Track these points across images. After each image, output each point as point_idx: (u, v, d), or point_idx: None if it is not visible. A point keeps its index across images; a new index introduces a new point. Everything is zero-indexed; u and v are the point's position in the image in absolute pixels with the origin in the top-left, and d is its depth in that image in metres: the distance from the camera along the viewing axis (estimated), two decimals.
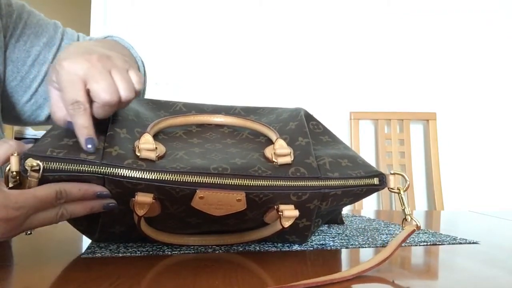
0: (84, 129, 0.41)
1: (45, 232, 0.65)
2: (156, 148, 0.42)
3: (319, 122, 0.54)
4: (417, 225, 0.44)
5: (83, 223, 0.47)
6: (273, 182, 0.42)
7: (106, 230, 0.47)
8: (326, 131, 0.53)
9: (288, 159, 0.44)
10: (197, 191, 0.41)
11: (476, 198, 2.06)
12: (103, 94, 0.41)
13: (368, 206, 2.00)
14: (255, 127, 0.50)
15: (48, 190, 0.39)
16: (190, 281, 0.35)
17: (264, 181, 0.42)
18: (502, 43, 2.13)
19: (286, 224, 0.44)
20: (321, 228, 0.63)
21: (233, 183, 0.41)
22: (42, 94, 0.66)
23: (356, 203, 1.87)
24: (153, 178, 0.40)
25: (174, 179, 0.40)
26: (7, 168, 0.39)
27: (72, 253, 0.46)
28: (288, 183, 0.43)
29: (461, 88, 2.10)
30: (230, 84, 2.01)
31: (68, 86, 0.41)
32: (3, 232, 0.37)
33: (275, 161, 0.44)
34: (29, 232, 0.40)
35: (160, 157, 0.42)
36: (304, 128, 0.50)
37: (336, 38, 2.07)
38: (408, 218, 0.45)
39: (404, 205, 0.46)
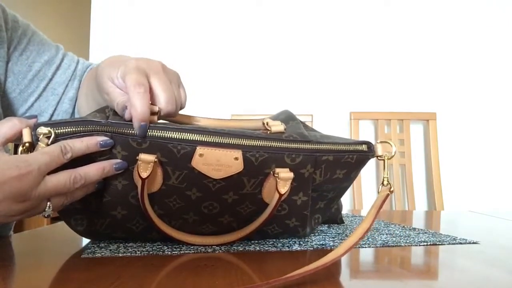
0: (141, 111, 0.41)
1: (45, 232, 0.65)
2: (157, 110, 0.45)
3: (307, 125, 0.57)
4: (390, 188, 0.47)
5: (83, 223, 0.48)
6: (268, 143, 0.46)
7: (108, 212, 0.47)
8: (314, 130, 0.57)
9: (281, 128, 0.48)
10: (197, 148, 0.43)
11: (476, 198, 2.06)
12: (162, 93, 0.44)
13: (368, 206, 2.00)
14: (239, 125, 0.52)
15: (53, 146, 0.41)
16: (190, 281, 0.35)
17: (260, 141, 0.45)
18: (502, 43, 2.14)
19: (283, 190, 0.46)
20: (321, 228, 0.63)
21: (230, 142, 0.44)
22: (37, 109, 0.68)
23: (356, 203, 1.87)
24: (156, 135, 0.43)
25: (176, 137, 0.43)
26: (20, 149, 0.41)
27: (72, 253, 0.46)
28: (282, 144, 0.46)
29: (461, 88, 2.10)
30: (229, 85, 2.01)
31: (133, 72, 0.44)
32: (20, 191, 0.38)
33: (269, 129, 0.48)
34: (47, 215, 0.42)
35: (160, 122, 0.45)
36: (293, 116, 0.55)
37: (336, 38, 2.07)
38: (385, 181, 0.48)
39: (385, 169, 0.49)
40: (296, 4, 2.07)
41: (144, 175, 0.43)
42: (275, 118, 0.55)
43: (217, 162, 0.44)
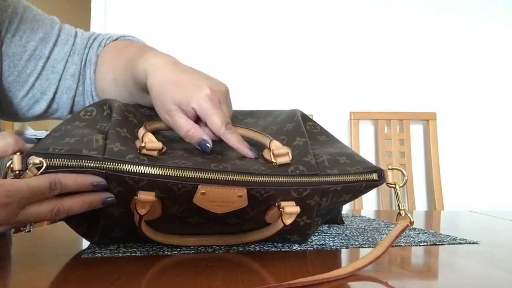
0: (243, 142, 0.46)
1: (45, 232, 0.65)
2: (161, 147, 0.42)
3: (316, 123, 0.55)
4: (410, 220, 0.44)
5: (84, 225, 0.47)
6: (273, 179, 0.43)
7: (106, 234, 0.47)
8: (323, 131, 0.54)
9: (286, 159, 0.45)
10: (199, 187, 0.41)
11: (476, 198, 2.06)
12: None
13: (368, 206, 2.00)
14: (247, 134, 0.50)
15: (42, 180, 0.38)
16: (190, 281, 0.35)
17: (265, 178, 0.43)
18: (501, 43, 2.13)
19: (288, 221, 0.44)
20: (321, 228, 0.63)
21: (234, 179, 0.42)
22: (38, 88, 0.65)
23: (356, 203, 1.87)
24: (155, 173, 0.40)
25: (176, 175, 0.40)
26: (7, 165, 0.39)
27: (72, 253, 0.46)
28: (289, 179, 0.44)
29: (461, 88, 2.10)
30: (229, 85, 2.01)
31: (217, 113, 0.46)
32: None
33: (274, 161, 0.45)
34: (27, 230, 0.40)
35: (161, 154, 0.43)
36: (301, 128, 0.51)
37: (336, 38, 2.07)
38: (402, 213, 0.45)
39: (399, 200, 0.46)
40: (296, 5, 2.06)
41: (142, 211, 0.41)
42: (281, 124, 0.52)
43: (220, 199, 0.42)
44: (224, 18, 2.03)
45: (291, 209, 0.44)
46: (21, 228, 0.40)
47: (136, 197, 0.40)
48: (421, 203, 2.04)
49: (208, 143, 0.45)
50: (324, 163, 0.46)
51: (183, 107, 0.47)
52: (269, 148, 0.46)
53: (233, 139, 0.46)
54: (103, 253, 0.45)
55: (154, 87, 0.49)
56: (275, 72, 2.04)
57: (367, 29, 2.08)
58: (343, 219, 0.70)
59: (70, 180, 0.39)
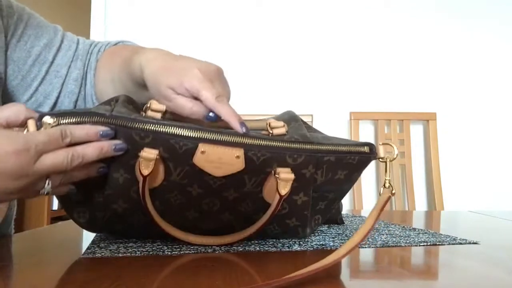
0: (235, 115, 0.46)
1: (45, 232, 0.65)
2: (164, 109, 0.46)
3: (310, 125, 0.58)
4: (391, 191, 0.46)
5: (85, 215, 0.49)
6: (270, 143, 0.46)
7: (109, 206, 0.47)
8: (317, 130, 0.57)
9: (282, 130, 0.49)
10: (199, 144, 0.43)
11: (476, 198, 2.06)
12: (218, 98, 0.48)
13: (368, 206, 2.00)
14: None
15: (53, 129, 0.41)
16: (190, 281, 0.35)
17: (261, 141, 0.46)
18: (501, 43, 2.14)
19: (283, 191, 0.46)
20: (321, 228, 0.63)
21: (232, 140, 0.45)
22: (42, 92, 0.67)
23: (356, 203, 1.87)
24: (160, 130, 0.43)
25: (179, 133, 0.43)
26: (24, 132, 0.42)
27: (72, 253, 0.46)
28: (284, 144, 0.46)
29: (461, 88, 2.10)
30: (229, 85, 2.01)
31: (208, 86, 0.48)
32: (16, 167, 0.39)
33: (271, 132, 0.48)
34: (46, 192, 0.42)
35: (164, 119, 0.46)
36: (296, 117, 0.55)
37: (336, 38, 2.07)
38: (387, 183, 0.47)
39: (387, 173, 0.49)
40: (296, 5, 2.07)
41: (146, 172, 0.43)
42: (278, 118, 0.55)
43: (219, 160, 0.44)
44: (224, 18, 2.04)
45: (286, 175, 0.46)
46: (40, 191, 0.42)
47: (140, 154, 0.43)
48: (421, 203, 2.04)
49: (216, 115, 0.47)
50: (318, 138, 0.50)
51: (178, 91, 0.49)
52: (267, 123, 0.49)
53: (225, 111, 0.47)
54: (103, 253, 0.45)
55: (149, 77, 0.52)
56: (275, 72, 2.04)
57: (367, 29, 2.08)
58: (343, 219, 0.70)
59: (78, 128, 0.42)
